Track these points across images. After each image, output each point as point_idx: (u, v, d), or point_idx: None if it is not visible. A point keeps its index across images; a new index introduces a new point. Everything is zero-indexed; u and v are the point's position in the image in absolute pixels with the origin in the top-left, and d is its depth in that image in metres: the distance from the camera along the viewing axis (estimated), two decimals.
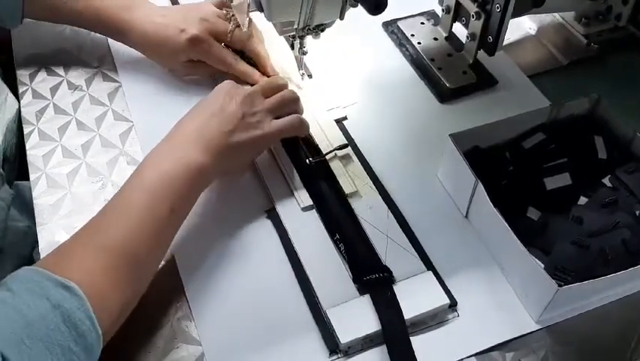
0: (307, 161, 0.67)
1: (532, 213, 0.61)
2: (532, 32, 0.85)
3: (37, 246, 0.62)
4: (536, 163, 0.64)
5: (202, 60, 0.74)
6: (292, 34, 0.67)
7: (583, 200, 0.62)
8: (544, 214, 0.61)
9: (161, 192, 0.54)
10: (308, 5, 0.61)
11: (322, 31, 0.67)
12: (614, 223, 0.59)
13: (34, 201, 0.65)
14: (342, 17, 0.64)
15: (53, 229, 0.63)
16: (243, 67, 0.74)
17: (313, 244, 0.62)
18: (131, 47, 0.76)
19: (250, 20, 0.74)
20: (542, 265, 0.55)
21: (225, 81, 0.64)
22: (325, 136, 0.70)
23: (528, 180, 0.63)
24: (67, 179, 0.67)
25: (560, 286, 0.51)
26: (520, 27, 0.86)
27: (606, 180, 0.63)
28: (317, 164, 0.67)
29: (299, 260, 0.60)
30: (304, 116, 0.68)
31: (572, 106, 0.67)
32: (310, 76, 0.78)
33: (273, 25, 0.67)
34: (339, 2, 0.62)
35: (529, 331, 0.56)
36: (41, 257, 0.58)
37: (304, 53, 0.72)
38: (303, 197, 0.65)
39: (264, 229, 0.63)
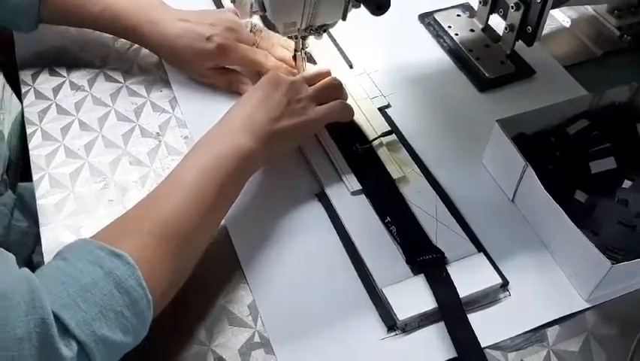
0: (354, 148, 0.69)
1: (579, 196, 0.62)
2: (566, 25, 0.87)
3: (40, 246, 0.62)
4: (581, 148, 0.66)
5: (225, 68, 0.75)
6: (295, 34, 0.68)
7: (627, 183, 0.63)
8: (590, 197, 0.62)
9: (211, 173, 0.56)
10: (310, 6, 0.62)
11: (324, 31, 0.68)
12: None
13: (37, 202, 0.66)
14: (344, 18, 0.65)
15: (56, 229, 0.63)
16: (274, 63, 0.75)
17: (364, 227, 0.63)
18: (150, 50, 0.76)
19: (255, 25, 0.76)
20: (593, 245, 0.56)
21: (270, 72, 0.66)
22: (369, 123, 0.72)
23: (574, 164, 0.65)
24: (70, 179, 0.68)
25: (613, 263, 0.53)
26: (554, 19, 0.88)
27: None
28: (364, 151, 0.69)
29: (352, 241, 0.62)
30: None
31: (613, 94, 0.69)
32: (351, 66, 0.80)
33: (276, 26, 0.68)
34: (342, 3, 0.63)
35: (579, 309, 0.58)
36: (44, 258, 0.61)
37: (306, 54, 0.73)
38: (352, 182, 0.66)
39: (315, 212, 0.65)
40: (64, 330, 0.43)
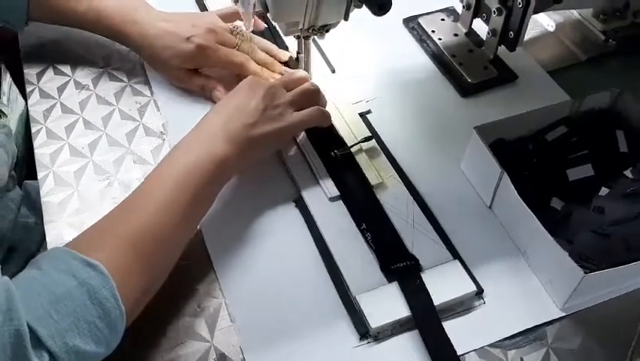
0: (333, 153, 0.69)
1: (555, 204, 0.62)
2: (551, 29, 0.87)
3: (45, 242, 0.63)
4: (559, 155, 0.65)
5: (204, 72, 0.75)
6: (297, 34, 0.67)
7: (604, 191, 0.63)
8: (567, 205, 0.62)
9: (187, 179, 0.56)
10: (313, 6, 0.62)
11: (327, 31, 0.67)
12: (635, 214, 0.60)
13: (42, 199, 0.66)
14: (346, 18, 0.64)
15: (61, 227, 0.64)
16: (254, 66, 0.74)
17: (340, 233, 0.63)
18: (132, 50, 0.77)
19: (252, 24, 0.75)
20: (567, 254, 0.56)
21: (249, 77, 0.66)
22: (350, 129, 0.72)
23: (551, 172, 0.65)
24: (75, 177, 0.68)
25: (585, 273, 0.53)
26: (539, 24, 0.87)
27: (628, 173, 0.65)
28: (343, 156, 0.69)
29: (327, 248, 0.62)
30: (328, 109, 0.70)
31: (593, 100, 0.68)
32: (333, 71, 0.80)
33: (278, 26, 0.67)
34: (344, 3, 0.63)
35: (553, 318, 0.58)
36: None
37: (308, 54, 0.72)
38: (330, 187, 0.66)
39: (291, 217, 0.65)
40: (37, 341, 0.43)
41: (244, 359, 0.55)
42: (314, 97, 0.68)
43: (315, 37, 0.69)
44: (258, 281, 0.60)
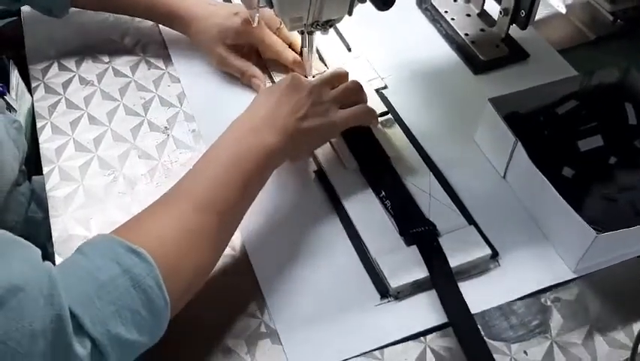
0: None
1: (567, 172, 0.65)
2: (560, 10, 0.89)
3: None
4: (570, 127, 0.68)
5: (242, 57, 0.77)
6: (301, 29, 0.68)
7: (613, 159, 0.66)
8: (577, 173, 0.65)
9: (234, 169, 0.56)
10: (317, 1, 0.62)
11: (331, 26, 0.68)
12: None
13: (48, 194, 0.67)
14: (350, 13, 0.65)
15: (66, 221, 0.65)
16: (292, 56, 0.75)
17: (360, 202, 0.66)
18: (180, 31, 0.79)
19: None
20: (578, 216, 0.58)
21: (290, 75, 0.65)
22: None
23: (562, 143, 0.67)
24: (80, 172, 0.69)
25: (597, 233, 0.55)
26: (549, 5, 0.90)
27: (637, 143, 0.67)
28: (360, 129, 0.71)
29: (348, 216, 0.65)
30: None
31: (602, 75, 0.71)
32: (349, 49, 0.82)
33: (282, 21, 0.69)
34: None
35: (566, 279, 0.60)
36: (54, 249, 0.62)
37: (311, 49, 0.73)
38: (349, 159, 0.69)
39: (313, 188, 0.68)
40: (79, 328, 0.43)
41: (271, 317, 0.58)
42: (357, 94, 0.68)
43: (319, 32, 0.69)
44: (284, 249, 0.63)
